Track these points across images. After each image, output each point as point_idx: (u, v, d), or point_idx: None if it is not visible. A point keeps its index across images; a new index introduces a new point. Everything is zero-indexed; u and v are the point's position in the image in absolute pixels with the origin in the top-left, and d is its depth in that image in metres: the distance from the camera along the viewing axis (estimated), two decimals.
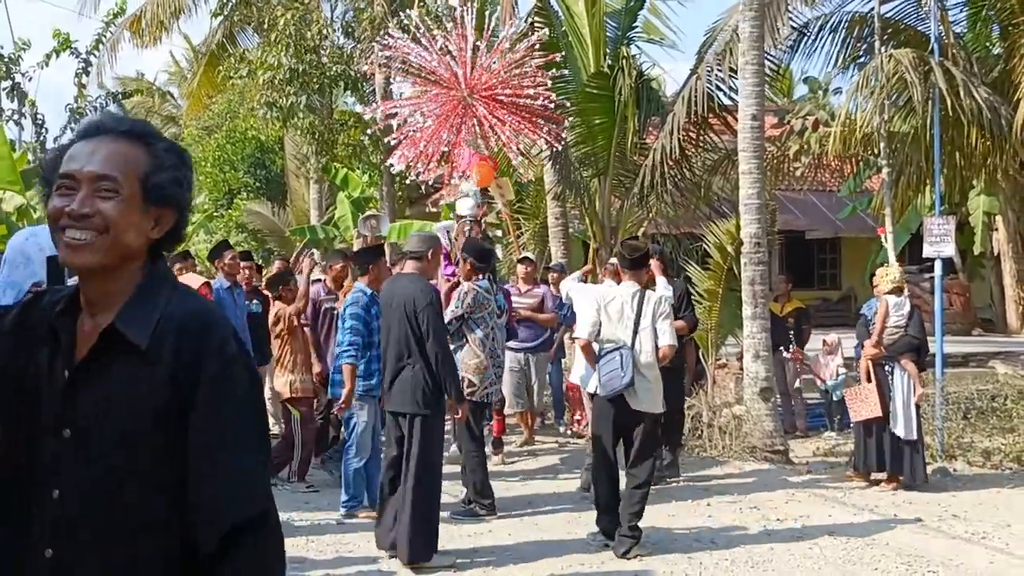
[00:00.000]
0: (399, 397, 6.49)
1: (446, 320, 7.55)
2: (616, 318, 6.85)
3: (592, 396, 7.09)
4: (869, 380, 8.76)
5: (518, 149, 10.39)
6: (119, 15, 16.84)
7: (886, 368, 8.75)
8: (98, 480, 1.90)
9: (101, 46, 16.71)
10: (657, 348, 6.84)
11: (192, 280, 8.56)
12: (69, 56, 16.26)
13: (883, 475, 8.80)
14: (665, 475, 8.75)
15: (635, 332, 6.81)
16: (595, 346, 6.88)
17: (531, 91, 10.39)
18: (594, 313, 6.88)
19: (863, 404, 8.73)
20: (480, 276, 8.00)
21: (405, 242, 8.27)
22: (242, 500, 1.93)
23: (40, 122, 16.38)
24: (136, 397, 1.90)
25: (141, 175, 1.95)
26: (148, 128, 2.06)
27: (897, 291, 8.81)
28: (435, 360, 6.41)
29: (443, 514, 7.23)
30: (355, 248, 12.28)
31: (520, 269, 10.48)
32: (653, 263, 8.67)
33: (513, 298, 9.98)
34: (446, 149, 10.53)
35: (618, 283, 7.71)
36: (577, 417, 10.85)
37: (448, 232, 10.09)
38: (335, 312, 8.84)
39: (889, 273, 8.90)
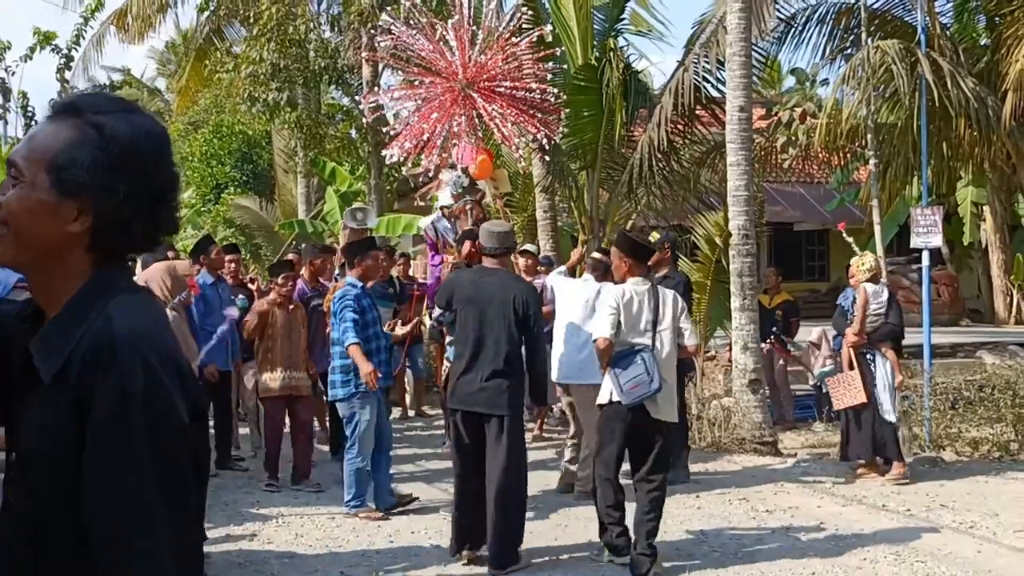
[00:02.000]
0: (491, 398, 6.18)
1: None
2: (636, 318, 6.24)
3: (602, 405, 6.40)
4: (852, 368, 8.77)
5: (518, 143, 10.35)
6: (98, 9, 16.77)
7: (867, 356, 8.77)
8: (26, 512, 1.66)
9: (82, 40, 16.63)
10: (679, 348, 6.39)
11: (183, 267, 8.33)
12: (51, 53, 16.22)
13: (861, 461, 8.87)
14: (677, 477, 8.66)
15: (654, 333, 6.27)
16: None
17: (533, 84, 10.37)
18: (614, 309, 6.21)
19: (847, 391, 8.75)
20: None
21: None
22: None
23: (31, 114, 16.32)
24: (49, 428, 1.62)
25: (49, 159, 1.65)
26: (90, 101, 1.73)
27: (874, 279, 8.83)
28: (539, 362, 6.32)
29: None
30: (342, 241, 12.22)
31: (521, 261, 10.45)
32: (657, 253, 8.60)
33: None
34: (451, 142, 10.48)
35: (598, 279, 7.58)
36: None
37: (435, 224, 10.04)
38: (322, 309, 8.74)
39: (864, 262, 8.89)
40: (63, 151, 1.65)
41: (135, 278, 5.32)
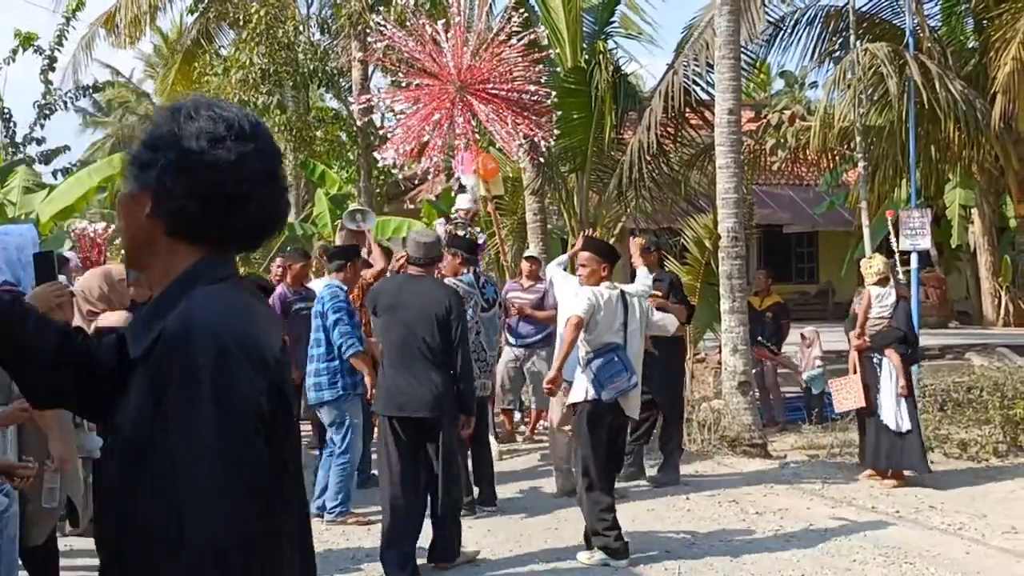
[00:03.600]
0: (421, 402, 6.15)
1: None
2: (611, 318, 6.45)
3: (575, 405, 6.54)
4: (855, 371, 8.76)
5: (515, 146, 10.34)
6: (79, 8, 16.74)
7: (874, 359, 8.76)
8: (115, 491, 1.75)
9: (65, 41, 16.62)
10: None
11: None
12: (34, 54, 16.21)
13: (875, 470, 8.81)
14: (666, 480, 8.68)
15: (625, 333, 6.48)
16: (581, 349, 6.48)
17: (531, 87, 10.38)
18: (594, 302, 6.38)
19: (847, 395, 8.74)
20: (466, 270, 7.92)
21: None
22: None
23: (7, 116, 16.28)
24: (136, 408, 1.72)
25: (132, 153, 1.82)
26: (180, 103, 1.85)
27: (882, 282, 8.82)
28: (461, 369, 6.23)
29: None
30: (337, 241, 12.16)
31: (524, 266, 10.41)
32: (637, 253, 8.62)
33: (516, 293, 9.95)
34: (452, 143, 10.47)
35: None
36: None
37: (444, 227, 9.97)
38: (304, 313, 8.53)
39: (873, 265, 8.89)
40: (138, 144, 1.83)
41: (80, 285, 5.28)
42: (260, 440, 1.66)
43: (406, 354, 6.20)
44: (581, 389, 6.41)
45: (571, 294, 6.96)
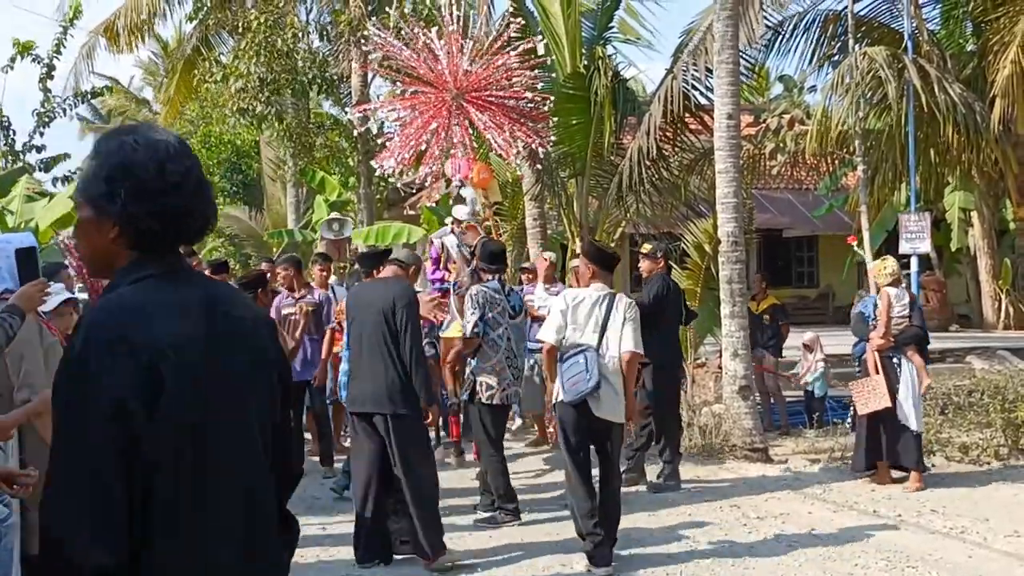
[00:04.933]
0: (377, 398, 6.43)
1: (470, 327, 7.51)
2: (583, 321, 6.45)
3: (554, 406, 6.73)
4: (877, 372, 8.74)
5: (512, 151, 10.34)
6: (76, 16, 16.75)
7: (893, 360, 8.75)
8: None
9: (63, 49, 16.62)
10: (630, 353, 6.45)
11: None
12: (32, 63, 16.22)
13: (903, 474, 8.80)
14: (668, 486, 8.68)
15: (602, 335, 6.43)
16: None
17: (528, 93, 10.38)
18: (559, 315, 6.49)
19: (872, 395, 8.67)
20: (491, 277, 7.92)
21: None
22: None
23: (6, 124, 16.30)
24: None
25: (85, 184, 2.14)
26: (103, 136, 2.17)
27: (895, 283, 8.82)
28: (410, 358, 6.40)
29: (465, 522, 7.41)
30: (319, 250, 12.14)
31: (542, 267, 10.40)
32: (645, 263, 8.71)
33: (538, 296, 9.92)
34: (449, 151, 10.46)
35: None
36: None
37: (443, 239, 9.96)
38: (293, 319, 8.76)
39: (887, 266, 8.87)
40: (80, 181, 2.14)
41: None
42: (112, 425, 1.90)
43: (364, 354, 6.53)
44: (557, 390, 6.53)
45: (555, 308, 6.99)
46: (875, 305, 8.94)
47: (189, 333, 2.05)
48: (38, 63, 16.35)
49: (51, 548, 1.90)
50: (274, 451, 2.21)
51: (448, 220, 10.17)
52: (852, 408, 9.60)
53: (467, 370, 7.84)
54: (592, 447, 6.55)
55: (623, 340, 6.41)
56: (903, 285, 8.91)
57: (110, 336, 1.96)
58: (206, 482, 2.02)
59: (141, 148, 2.06)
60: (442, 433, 10.22)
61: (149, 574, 1.94)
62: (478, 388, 7.51)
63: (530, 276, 10.33)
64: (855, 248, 9.80)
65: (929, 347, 9.21)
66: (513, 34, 10.40)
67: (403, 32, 10.48)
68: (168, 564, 1.96)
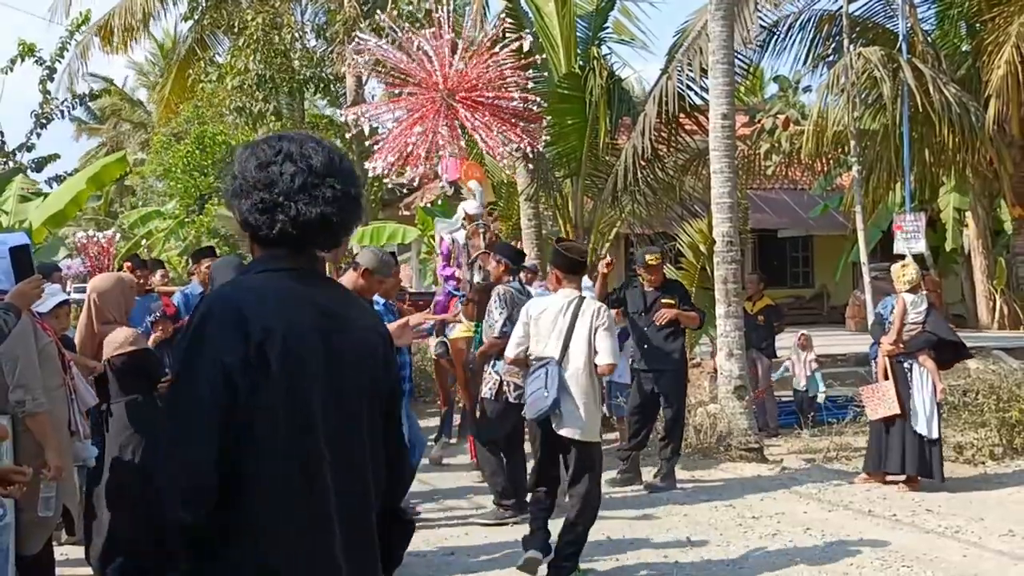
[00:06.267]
0: None
1: (498, 327, 7.38)
2: (547, 331, 6.08)
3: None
4: (887, 377, 8.72)
5: (502, 152, 10.31)
6: (85, 23, 16.75)
7: (904, 365, 8.70)
8: None
9: (66, 53, 16.61)
10: (596, 366, 6.02)
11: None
12: (34, 64, 16.20)
13: (900, 477, 8.71)
14: (663, 486, 8.69)
15: (565, 346, 6.02)
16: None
17: (516, 93, 10.34)
18: (522, 328, 6.20)
19: (881, 401, 8.63)
20: (511, 277, 7.89)
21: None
22: None
23: None
24: None
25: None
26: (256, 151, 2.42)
27: (914, 289, 8.75)
28: None
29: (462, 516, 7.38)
30: None
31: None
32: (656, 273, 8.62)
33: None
34: (435, 153, 10.40)
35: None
36: None
37: (453, 235, 9.86)
38: None
39: (906, 273, 8.78)
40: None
41: (97, 287, 5.37)
42: (220, 389, 2.11)
43: None
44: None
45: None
46: (892, 308, 8.87)
47: (302, 326, 2.22)
48: (40, 65, 16.35)
49: (149, 495, 2.17)
50: (386, 452, 2.39)
51: (458, 216, 10.05)
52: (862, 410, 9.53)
53: (489, 369, 7.59)
54: (557, 460, 6.26)
55: (599, 353, 5.99)
56: (922, 292, 8.82)
57: (226, 308, 2.18)
58: (302, 470, 2.17)
59: (244, 159, 2.32)
60: (442, 435, 10.18)
61: (237, 544, 2.11)
62: (505, 388, 7.38)
63: (529, 276, 10.32)
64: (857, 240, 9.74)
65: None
66: (507, 34, 10.39)
67: (397, 34, 10.45)
68: (259, 551, 2.13)
